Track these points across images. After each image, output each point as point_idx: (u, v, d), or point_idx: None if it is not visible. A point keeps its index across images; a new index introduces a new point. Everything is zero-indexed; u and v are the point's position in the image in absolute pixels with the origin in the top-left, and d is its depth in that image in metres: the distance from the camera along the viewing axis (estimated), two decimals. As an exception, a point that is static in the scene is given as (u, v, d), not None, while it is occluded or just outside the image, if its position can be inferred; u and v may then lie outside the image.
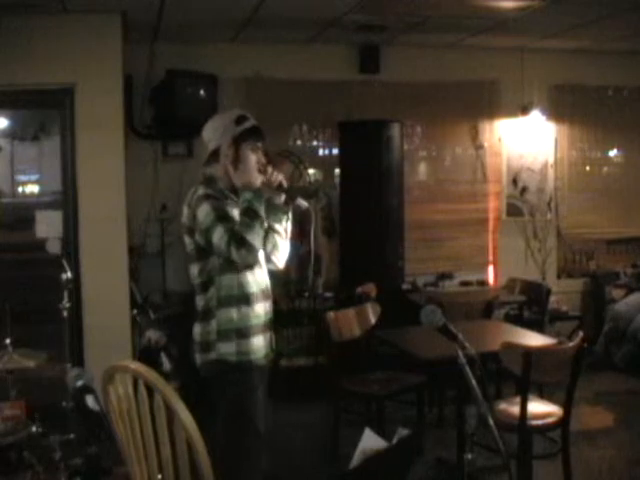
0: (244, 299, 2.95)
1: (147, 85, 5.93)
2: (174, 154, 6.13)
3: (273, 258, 3.12)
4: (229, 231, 2.83)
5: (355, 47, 6.45)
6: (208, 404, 2.96)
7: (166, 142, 6.13)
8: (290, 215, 3.11)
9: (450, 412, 4.85)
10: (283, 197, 3.03)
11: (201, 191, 2.94)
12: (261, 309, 3.02)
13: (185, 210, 2.98)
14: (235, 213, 2.95)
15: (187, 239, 3.00)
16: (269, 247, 3.09)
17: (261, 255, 3.05)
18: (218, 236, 2.83)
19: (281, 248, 3.13)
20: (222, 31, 5.86)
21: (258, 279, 3.02)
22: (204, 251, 2.94)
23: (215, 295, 2.94)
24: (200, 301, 2.99)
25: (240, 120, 3.00)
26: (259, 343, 3.00)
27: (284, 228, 3.12)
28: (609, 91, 7.13)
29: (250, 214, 2.87)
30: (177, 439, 2.12)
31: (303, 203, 3.02)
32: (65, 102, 5.10)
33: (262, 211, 2.91)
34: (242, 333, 2.94)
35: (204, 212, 2.88)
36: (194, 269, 2.99)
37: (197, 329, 3.00)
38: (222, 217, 2.87)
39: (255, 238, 2.85)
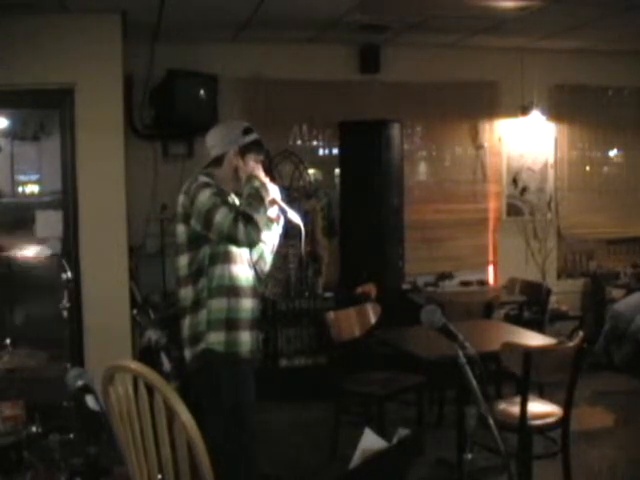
0: (234, 291, 3.00)
1: (147, 85, 5.94)
2: (174, 154, 6.13)
3: (257, 267, 3.18)
4: (234, 210, 2.89)
5: (355, 47, 6.44)
6: (199, 400, 2.96)
7: (166, 142, 6.13)
8: (280, 230, 3.20)
9: (450, 412, 4.85)
10: (276, 211, 3.12)
11: (202, 179, 3.00)
12: (249, 304, 3.06)
13: (181, 198, 3.01)
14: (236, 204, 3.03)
15: (180, 228, 3.03)
16: (255, 256, 3.14)
17: (249, 257, 3.11)
18: (222, 215, 2.88)
19: (266, 258, 3.21)
20: (222, 31, 5.86)
21: (247, 275, 3.08)
22: (197, 239, 2.97)
23: (206, 286, 2.98)
24: (188, 293, 3.01)
25: (247, 131, 3.10)
26: (246, 338, 3.04)
27: (272, 241, 3.20)
28: (609, 91, 7.12)
29: (257, 199, 2.95)
30: (177, 439, 2.12)
31: (295, 219, 3.11)
32: (65, 102, 5.09)
33: (266, 201, 2.96)
34: (231, 324, 2.99)
35: (206, 196, 2.93)
36: (183, 260, 3.02)
37: (186, 322, 3.04)
38: (225, 201, 2.96)
39: (260, 219, 2.92)
